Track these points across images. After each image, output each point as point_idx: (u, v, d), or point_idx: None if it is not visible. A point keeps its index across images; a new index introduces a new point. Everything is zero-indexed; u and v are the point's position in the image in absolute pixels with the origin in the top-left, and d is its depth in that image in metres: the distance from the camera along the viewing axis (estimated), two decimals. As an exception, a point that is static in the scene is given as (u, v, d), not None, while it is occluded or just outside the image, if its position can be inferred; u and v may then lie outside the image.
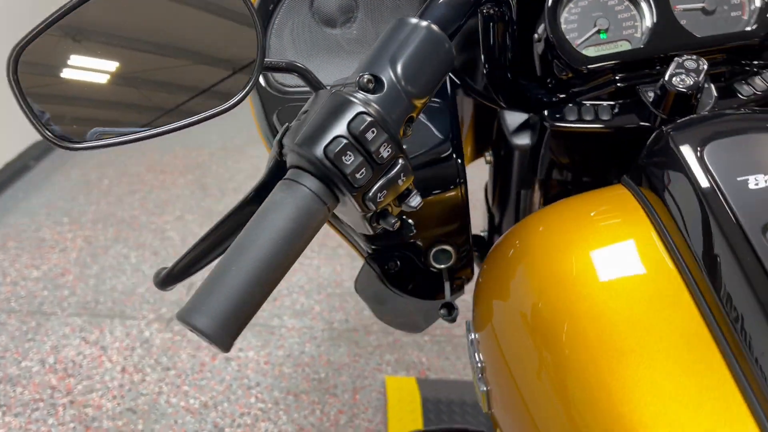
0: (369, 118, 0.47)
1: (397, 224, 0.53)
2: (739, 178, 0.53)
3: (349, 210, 0.51)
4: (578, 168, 0.79)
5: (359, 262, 0.81)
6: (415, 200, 0.53)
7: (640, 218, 0.59)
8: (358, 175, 0.48)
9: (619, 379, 0.50)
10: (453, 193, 0.73)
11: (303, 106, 0.55)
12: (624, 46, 0.72)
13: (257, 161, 3.38)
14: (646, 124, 0.69)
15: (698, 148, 0.56)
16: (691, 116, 0.62)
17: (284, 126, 0.52)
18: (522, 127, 0.81)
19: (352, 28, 0.79)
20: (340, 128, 0.47)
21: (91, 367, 1.93)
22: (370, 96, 0.50)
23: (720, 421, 0.46)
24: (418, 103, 0.52)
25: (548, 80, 0.74)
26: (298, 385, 1.93)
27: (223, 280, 0.44)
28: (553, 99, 0.74)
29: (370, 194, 0.49)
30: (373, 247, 0.76)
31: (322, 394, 1.90)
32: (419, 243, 0.76)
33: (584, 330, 0.53)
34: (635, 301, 0.53)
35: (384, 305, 0.90)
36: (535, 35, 0.73)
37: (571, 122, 0.71)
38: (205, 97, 0.53)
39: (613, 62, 0.71)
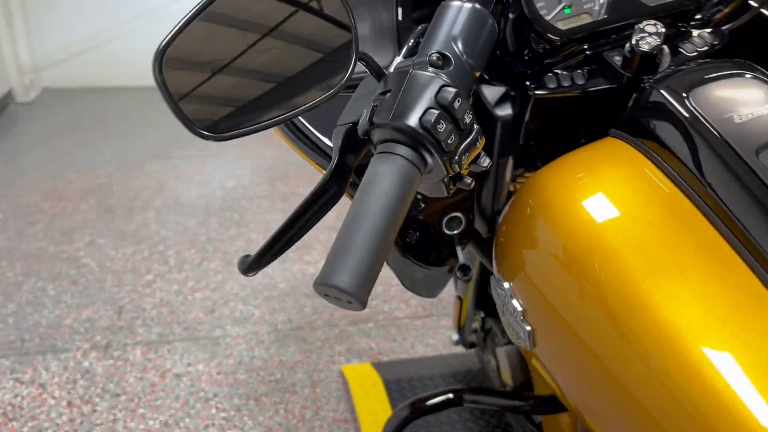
0: (453, 89, 0.53)
1: (473, 183, 0.59)
2: (725, 116, 0.64)
3: (433, 176, 0.56)
4: (555, 132, 0.88)
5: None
6: (486, 161, 0.59)
7: (640, 159, 0.68)
8: (449, 141, 0.53)
9: (656, 292, 0.59)
10: None
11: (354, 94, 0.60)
12: (586, 19, 0.81)
13: (160, 176, 3.29)
14: (615, 85, 0.79)
15: (684, 94, 0.67)
16: (672, 69, 0.73)
17: (370, 108, 0.56)
18: (502, 99, 0.88)
19: None
20: (430, 101, 0.53)
21: (33, 406, 1.82)
22: (442, 72, 0.55)
23: (750, 312, 0.56)
24: (477, 74, 0.58)
25: (525, 54, 0.82)
26: (257, 389, 1.92)
27: (351, 245, 0.48)
28: (531, 71, 0.83)
29: (456, 157, 0.55)
30: None
31: (282, 393, 1.91)
32: (433, 214, 0.82)
33: (617, 257, 0.62)
34: (656, 225, 0.63)
35: (407, 276, 0.95)
36: (510, 14, 0.81)
37: (553, 89, 0.80)
38: (313, 88, 0.57)
39: (581, 33, 0.80)
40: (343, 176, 0.63)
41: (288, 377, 1.98)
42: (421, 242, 0.83)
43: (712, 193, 0.62)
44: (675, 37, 0.85)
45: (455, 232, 0.84)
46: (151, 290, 2.38)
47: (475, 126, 0.56)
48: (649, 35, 0.76)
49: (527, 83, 0.81)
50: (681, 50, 0.83)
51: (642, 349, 0.58)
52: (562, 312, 0.67)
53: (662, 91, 0.69)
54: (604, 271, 0.62)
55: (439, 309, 2.32)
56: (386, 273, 2.48)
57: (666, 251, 0.61)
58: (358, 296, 0.47)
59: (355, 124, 0.61)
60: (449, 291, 2.39)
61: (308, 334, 2.18)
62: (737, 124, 0.63)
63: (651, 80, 0.72)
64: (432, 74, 0.54)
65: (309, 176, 3.48)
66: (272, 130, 0.77)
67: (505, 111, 0.87)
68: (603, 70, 0.81)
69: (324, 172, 0.80)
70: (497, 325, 1.34)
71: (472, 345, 1.52)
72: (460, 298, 1.38)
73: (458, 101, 0.53)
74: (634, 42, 0.76)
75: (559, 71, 0.81)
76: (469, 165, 0.58)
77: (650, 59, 0.76)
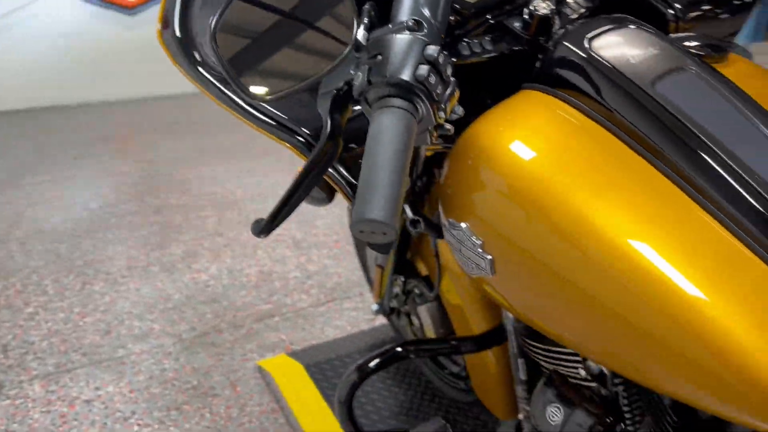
0: (437, 47, 0.62)
1: (452, 129, 0.69)
2: (621, 57, 0.79)
3: (422, 124, 0.65)
4: (472, 96, 0.99)
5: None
6: (460, 109, 0.69)
7: (555, 102, 0.81)
8: (438, 91, 0.62)
9: (590, 205, 0.71)
10: None
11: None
12: None
13: (15, 206, 3.05)
14: (518, 47, 0.92)
15: (585, 44, 0.81)
16: (568, 27, 0.86)
17: (365, 70, 0.63)
18: None
19: None
20: (419, 58, 0.61)
21: (-72, 463, 1.66)
22: (419, 34, 0.64)
23: (668, 208, 0.70)
24: (442, 36, 0.68)
25: None
26: (176, 399, 1.89)
27: (375, 186, 0.56)
28: (444, 42, 0.94)
29: (443, 105, 0.64)
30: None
31: (203, 398, 1.90)
32: None
33: (553, 183, 0.74)
34: (580, 152, 0.76)
35: None
36: None
37: (468, 56, 0.91)
38: (322, 58, 0.64)
39: (487, 4, 0.92)
40: (336, 136, 0.70)
41: (205, 382, 1.96)
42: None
43: (622, 120, 0.76)
44: (558, 2, 1.00)
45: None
46: (35, 322, 2.23)
47: (452, 78, 0.65)
48: (543, 2, 0.90)
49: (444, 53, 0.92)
50: (564, 12, 0.97)
51: (586, 252, 0.70)
52: (516, 237, 0.78)
53: (567, 44, 0.82)
54: (545, 196, 0.74)
55: (339, 293, 2.40)
56: (282, 269, 2.56)
57: (592, 171, 0.74)
58: (391, 224, 0.54)
59: (339, 90, 0.69)
60: (345, 276, 2.48)
61: (215, 338, 2.17)
62: (633, 63, 0.78)
63: (555, 37, 0.85)
64: (414, 36, 0.63)
65: (178, 186, 3.40)
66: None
67: None
68: (506, 36, 0.93)
69: (289, 146, 0.86)
70: (419, 285, 1.45)
71: (392, 311, 1.62)
72: (381, 267, 1.48)
73: (441, 56, 0.62)
74: (532, 8, 0.89)
75: (468, 40, 0.93)
76: (449, 113, 0.67)
77: (546, 22, 0.90)
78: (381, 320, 2.20)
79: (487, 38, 0.92)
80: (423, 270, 1.44)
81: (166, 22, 0.91)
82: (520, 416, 1.21)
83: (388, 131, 0.59)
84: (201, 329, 2.22)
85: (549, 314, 0.81)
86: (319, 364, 1.95)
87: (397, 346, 1.25)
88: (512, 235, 0.79)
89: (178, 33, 0.90)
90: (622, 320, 0.69)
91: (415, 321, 1.56)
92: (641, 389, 0.89)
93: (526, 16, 0.90)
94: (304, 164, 0.70)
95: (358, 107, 0.71)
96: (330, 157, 0.70)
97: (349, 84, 0.70)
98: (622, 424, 0.87)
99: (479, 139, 0.82)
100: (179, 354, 2.09)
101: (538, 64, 0.87)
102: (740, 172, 0.69)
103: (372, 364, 1.25)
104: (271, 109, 0.85)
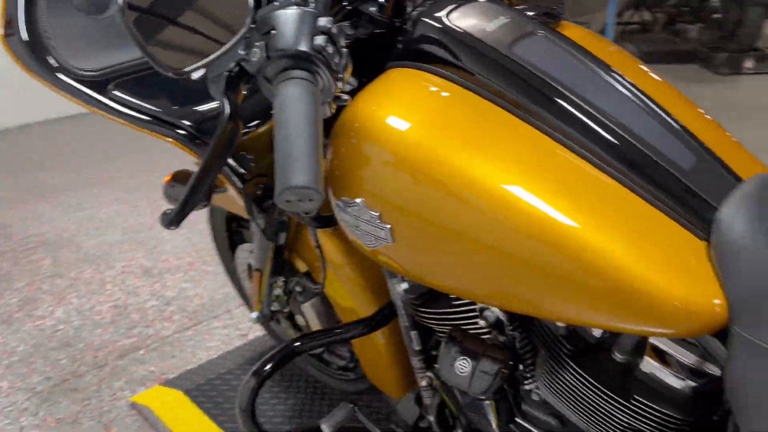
0: (329, 17, 0.64)
1: (349, 101, 0.71)
2: (478, 27, 0.87)
3: (323, 95, 0.67)
4: None
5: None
6: (354, 80, 0.72)
7: (423, 75, 0.87)
8: (336, 60, 0.65)
9: (467, 158, 0.77)
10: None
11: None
12: None
13: None
14: (377, 29, 0.98)
15: (444, 20, 0.88)
16: (427, 5, 0.93)
17: (262, 47, 0.64)
18: None
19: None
20: (313, 29, 0.63)
21: None
22: (307, 8, 0.66)
23: (539, 151, 0.79)
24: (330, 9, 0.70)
25: None
26: (44, 456, 1.72)
27: (294, 155, 0.57)
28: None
29: (340, 74, 0.66)
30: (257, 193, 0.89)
31: (76, 448, 1.75)
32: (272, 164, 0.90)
33: (432, 145, 0.79)
34: (452, 115, 0.82)
35: (270, 226, 1.00)
36: None
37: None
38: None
39: None
40: (235, 116, 0.70)
41: (75, 431, 1.81)
42: (267, 192, 0.91)
43: (486, 81, 0.83)
44: None
45: None
46: None
47: (344, 50, 0.69)
48: None
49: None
50: None
51: (471, 202, 0.77)
52: (409, 202, 0.83)
53: (427, 20, 0.89)
54: (427, 159, 0.79)
55: (205, 315, 2.33)
56: (136, 300, 2.43)
57: (465, 129, 0.80)
58: (316, 187, 0.56)
59: (231, 71, 0.69)
60: (208, 296, 2.40)
61: (77, 383, 2.00)
62: (490, 32, 0.87)
63: (412, 16, 0.92)
64: (303, 10, 0.65)
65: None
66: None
67: None
68: (363, 21, 0.99)
69: (172, 141, 0.84)
70: (302, 282, 1.46)
71: (272, 316, 1.60)
72: (259, 270, 1.46)
73: (335, 27, 0.65)
74: None
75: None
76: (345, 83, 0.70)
77: (400, 3, 0.96)
78: (255, 333, 2.17)
79: (346, 24, 0.97)
80: (302, 267, 1.46)
81: (9, 25, 0.84)
82: (423, 383, 1.27)
83: (295, 101, 0.60)
84: (57, 377, 2.03)
85: (447, 270, 0.86)
86: (200, 387, 1.87)
87: (292, 341, 1.26)
88: (405, 201, 0.83)
89: (25, 36, 0.84)
90: (512, 259, 0.77)
91: (300, 320, 1.56)
92: (534, 329, 0.98)
93: (381, 0, 0.96)
94: (207, 149, 0.70)
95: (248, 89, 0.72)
96: (232, 138, 0.70)
97: (240, 65, 0.70)
98: (522, 365, 0.96)
99: (357, 119, 0.86)
100: (37, 408, 1.90)
101: (400, 44, 0.93)
102: (592, 111, 0.80)
103: (268, 366, 1.24)
104: (147, 106, 0.83)
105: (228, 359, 2.02)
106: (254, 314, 1.61)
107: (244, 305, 2.05)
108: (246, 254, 1.66)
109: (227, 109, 0.69)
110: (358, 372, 1.70)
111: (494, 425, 0.96)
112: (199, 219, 3.06)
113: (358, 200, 0.88)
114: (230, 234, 1.85)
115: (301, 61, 0.63)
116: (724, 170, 0.79)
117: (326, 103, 0.69)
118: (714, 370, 0.81)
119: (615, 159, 0.77)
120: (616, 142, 0.78)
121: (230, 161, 0.86)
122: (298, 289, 1.49)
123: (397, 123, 0.82)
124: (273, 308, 1.58)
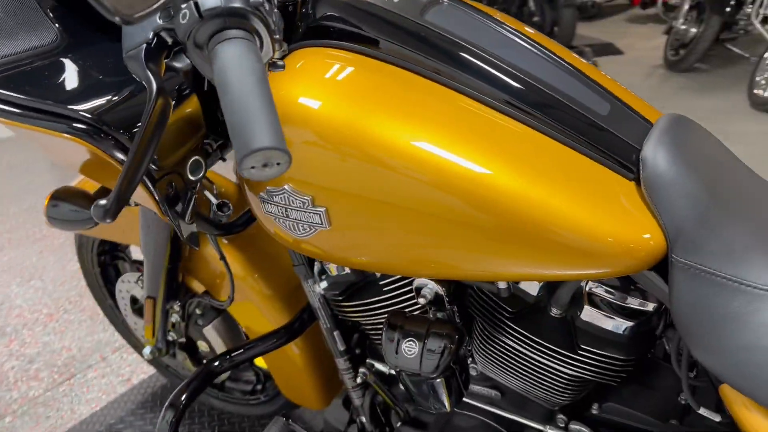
0: None
1: (284, 66, 0.66)
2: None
3: (263, 56, 0.61)
4: None
5: None
6: (285, 45, 0.66)
7: (330, 52, 0.83)
8: (273, 20, 0.59)
9: (395, 128, 0.75)
10: (187, 104, 0.82)
11: None
12: None
13: None
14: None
15: None
16: None
17: (190, 6, 0.57)
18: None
19: None
20: None
21: None
22: None
23: (456, 107, 0.77)
24: None
25: None
26: None
27: (250, 116, 0.51)
28: None
29: (277, 36, 0.61)
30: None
31: None
32: (179, 163, 0.82)
33: (358, 117, 0.76)
34: (371, 85, 0.78)
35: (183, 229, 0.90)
36: None
37: None
38: None
39: None
40: (163, 90, 0.62)
41: None
42: (177, 194, 0.83)
43: (390, 46, 0.82)
44: None
45: (199, 176, 0.86)
46: None
47: (276, 10, 0.63)
48: None
49: None
50: None
51: (402, 170, 0.75)
52: (341, 179, 0.79)
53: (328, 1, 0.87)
54: (348, 131, 0.76)
55: (77, 366, 2.09)
56: None
57: (381, 97, 0.77)
58: (283, 147, 0.51)
59: (150, 43, 0.62)
60: (77, 346, 2.17)
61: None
62: (396, 3, 0.86)
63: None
64: None
65: None
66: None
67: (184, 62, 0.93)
68: None
69: (70, 137, 0.73)
70: (203, 302, 1.35)
71: (168, 347, 1.47)
72: (152, 298, 1.33)
73: None
74: None
75: None
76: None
77: None
78: (140, 377, 1.99)
79: None
80: (199, 287, 1.35)
81: None
82: (352, 384, 1.22)
83: (239, 59, 0.55)
84: None
85: (386, 246, 0.83)
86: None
87: (209, 362, 1.16)
88: (335, 179, 0.80)
89: None
90: (449, 220, 0.76)
91: (203, 346, 1.45)
92: (471, 299, 0.98)
93: None
94: (138, 132, 0.62)
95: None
96: (165, 114, 0.63)
97: (158, 36, 0.63)
98: (466, 336, 0.95)
99: (283, 99, 0.81)
100: None
101: (300, 26, 0.89)
102: (503, 66, 0.81)
103: (184, 395, 1.13)
104: (36, 100, 0.72)
105: (115, 408, 1.83)
106: (147, 349, 1.47)
107: (123, 348, 1.87)
108: (129, 286, 1.52)
109: (154, 84, 0.61)
110: (269, 392, 1.61)
111: (447, 404, 0.94)
112: (49, 266, 2.77)
113: (285, 186, 0.82)
114: (103, 269, 1.68)
115: (239, 18, 0.57)
116: (634, 114, 0.84)
117: (270, 64, 0.64)
118: (648, 307, 0.85)
119: (536, 111, 0.79)
120: (534, 94, 0.80)
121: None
122: (198, 311, 1.38)
123: (310, 102, 0.78)
124: (169, 338, 1.46)
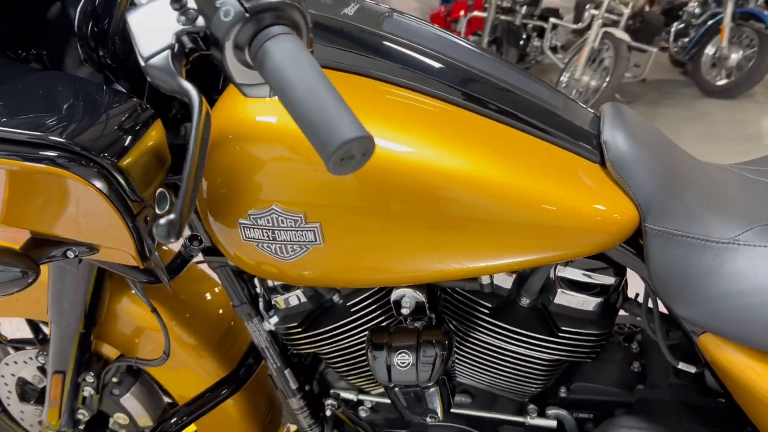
0: None
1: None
2: (340, 13, 0.86)
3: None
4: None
5: None
6: None
7: None
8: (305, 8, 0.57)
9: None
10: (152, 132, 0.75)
11: None
12: None
13: None
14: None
15: None
16: None
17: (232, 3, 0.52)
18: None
19: None
20: None
21: None
22: None
23: (415, 107, 0.80)
24: None
25: None
26: None
27: (325, 110, 0.49)
28: None
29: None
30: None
31: None
32: (150, 197, 0.74)
33: None
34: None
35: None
36: None
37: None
38: None
39: None
40: (200, 95, 0.57)
41: None
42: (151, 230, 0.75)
43: (366, 59, 0.82)
44: None
45: (165, 209, 0.79)
46: None
47: None
48: None
49: None
50: None
51: (389, 177, 0.75)
52: (333, 193, 0.77)
53: None
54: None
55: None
56: None
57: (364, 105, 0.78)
58: (369, 135, 0.49)
59: (172, 48, 0.57)
60: None
61: None
62: (352, 15, 0.87)
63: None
64: None
65: None
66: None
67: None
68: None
69: (39, 165, 0.64)
70: (122, 366, 1.21)
71: (74, 427, 1.28)
72: (61, 372, 1.16)
73: None
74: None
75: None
76: None
77: None
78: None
79: None
80: (113, 352, 1.21)
81: None
82: (305, 424, 1.16)
83: (295, 57, 0.53)
84: None
85: (380, 256, 0.82)
86: None
87: (158, 425, 1.04)
88: (325, 191, 0.78)
89: None
90: (438, 218, 0.78)
91: (121, 419, 1.28)
92: (444, 304, 0.99)
93: None
94: (190, 145, 0.56)
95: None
96: (208, 121, 0.58)
97: (180, 40, 0.58)
98: (456, 338, 0.96)
99: (231, 128, 0.78)
100: None
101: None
102: (465, 68, 0.86)
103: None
104: (6, 129, 0.62)
105: None
106: (50, 434, 1.27)
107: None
108: (16, 367, 1.31)
109: (194, 92, 0.56)
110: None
111: (440, 412, 0.93)
112: None
113: (273, 206, 0.78)
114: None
115: (285, 13, 0.54)
116: (578, 104, 0.93)
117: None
118: (612, 281, 0.92)
119: (502, 105, 0.84)
120: (498, 91, 0.85)
121: (107, 190, 0.67)
122: (114, 380, 1.23)
123: (268, 118, 0.77)
124: (79, 416, 1.27)
